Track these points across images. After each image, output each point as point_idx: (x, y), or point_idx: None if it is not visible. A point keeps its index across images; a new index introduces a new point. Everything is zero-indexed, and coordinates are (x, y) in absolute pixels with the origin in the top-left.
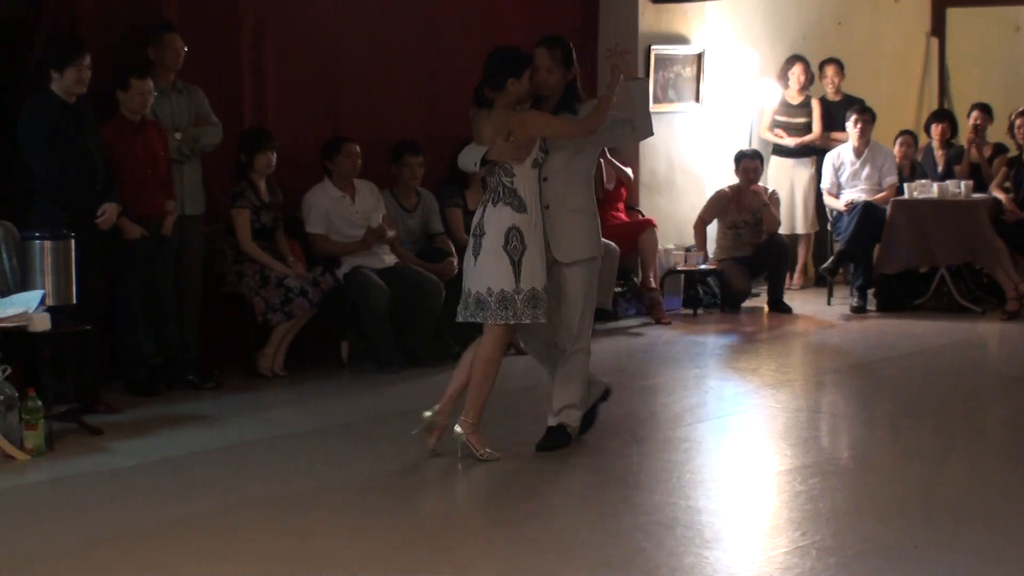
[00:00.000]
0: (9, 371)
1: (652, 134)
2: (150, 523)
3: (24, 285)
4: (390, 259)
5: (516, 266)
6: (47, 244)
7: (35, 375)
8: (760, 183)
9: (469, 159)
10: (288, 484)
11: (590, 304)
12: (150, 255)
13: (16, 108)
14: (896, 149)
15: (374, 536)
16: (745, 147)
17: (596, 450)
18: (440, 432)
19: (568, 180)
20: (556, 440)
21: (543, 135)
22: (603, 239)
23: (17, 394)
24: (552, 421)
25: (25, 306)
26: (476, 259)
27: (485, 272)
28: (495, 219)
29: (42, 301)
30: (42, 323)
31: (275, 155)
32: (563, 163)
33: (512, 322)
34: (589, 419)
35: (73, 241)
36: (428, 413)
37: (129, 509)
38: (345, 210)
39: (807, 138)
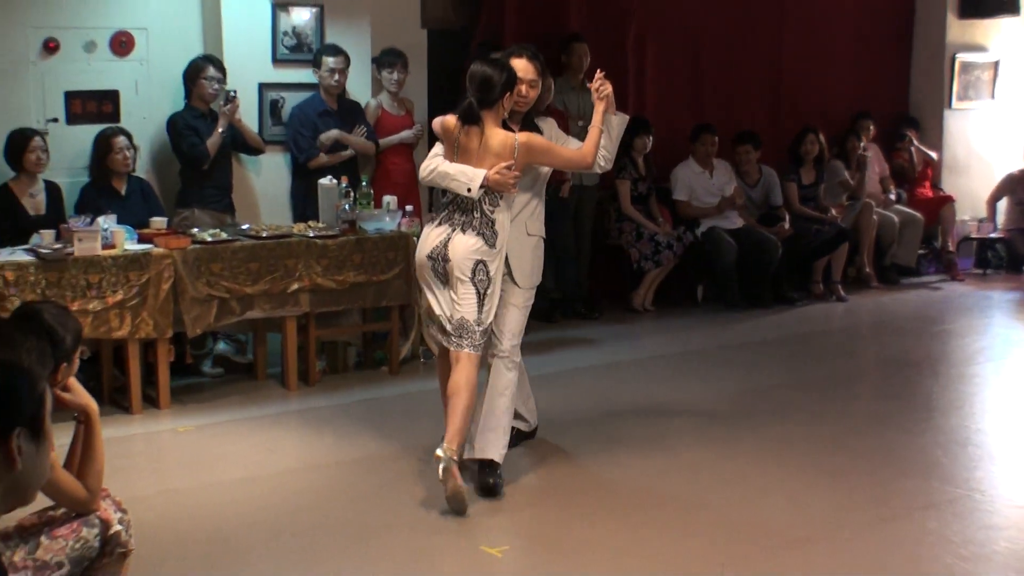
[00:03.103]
0: None
1: (610, 167)
2: (552, 421)
3: None
4: (738, 222)
5: (480, 298)
6: None
7: None
8: None
9: (457, 182)
10: (654, 396)
11: (524, 320)
12: (551, 214)
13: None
14: None
15: (726, 445)
16: None
17: (897, 380)
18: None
19: (530, 205)
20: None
21: (542, 163)
22: (909, 210)
23: None
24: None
25: None
26: (437, 289)
27: (446, 299)
28: (467, 248)
29: None
30: None
31: (651, 138)
32: (527, 188)
33: (473, 352)
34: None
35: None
36: (440, 452)
37: None
38: (704, 183)
39: None
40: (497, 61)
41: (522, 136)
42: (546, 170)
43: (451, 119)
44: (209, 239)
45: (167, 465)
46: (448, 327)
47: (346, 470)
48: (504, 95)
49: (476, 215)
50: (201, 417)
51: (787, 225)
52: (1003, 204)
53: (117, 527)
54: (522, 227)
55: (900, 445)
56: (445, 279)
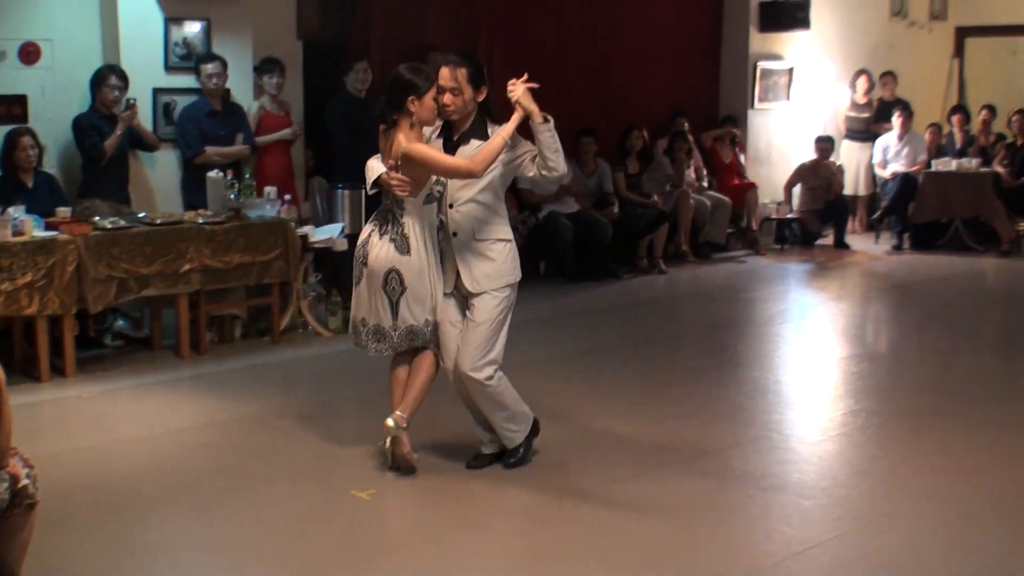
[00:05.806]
0: (320, 276)
1: (564, 172)
2: None
3: (330, 220)
4: (574, 206)
5: (394, 306)
6: (346, 192)
7: (336, 279)
8: (831, 159)
9: (367, 179)
10: (504, 355)
11: (496, 333)
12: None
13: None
14: (927, 136)
15: (565, 397)
16: (821, 133)
17: (710, 339)
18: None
19: (474, 209)
20: (511, 458)
21: (424, 171)
22: (719, 195)
23: (325, 292)
24: (487, 449)
25: (331, 234)
26: (356, 286)
27: (362, 302)
28: (378, 254)
29: (342, 230)
30: (341, 245)
31: None
32: (466, 192)
33: (386, 353)
34: (521, 457)
35: (363, 191)
36: (391, 421)
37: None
38: None
39: None
40: (416, 66)
41: (406, 146)
42: (496, 173)
43: None
44: (109, 226)
45: (74, 427)
46: (361, 329)
47: (234, 427)
48: (408, 99)
49: (390, 220)
50: (104, 384)
51: (615, 209)
52: (797, 190)
53: (25, 481)
54: (469, 232)
55: (712, 394)
56: (359, 279)
